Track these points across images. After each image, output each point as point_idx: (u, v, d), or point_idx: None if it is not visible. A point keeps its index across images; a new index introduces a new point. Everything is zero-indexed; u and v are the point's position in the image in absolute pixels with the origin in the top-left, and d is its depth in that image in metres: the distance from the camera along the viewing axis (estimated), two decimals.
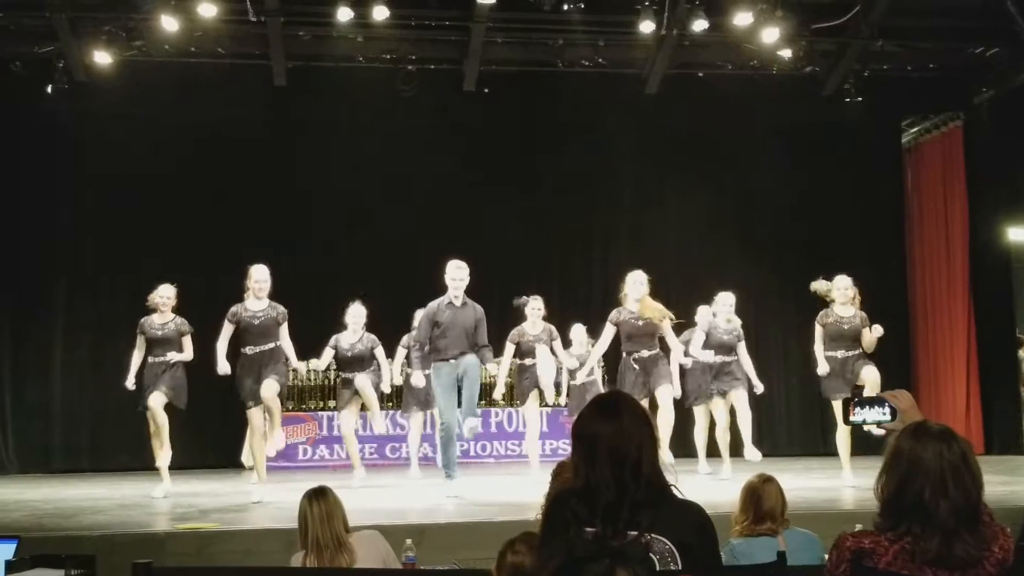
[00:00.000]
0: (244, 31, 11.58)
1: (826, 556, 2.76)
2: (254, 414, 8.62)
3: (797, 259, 13.41)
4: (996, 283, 13.06)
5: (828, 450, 12.96)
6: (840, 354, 9.17)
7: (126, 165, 12.16)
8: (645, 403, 8.89)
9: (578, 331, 10.51)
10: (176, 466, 9.66)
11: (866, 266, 12.60)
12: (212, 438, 12.08)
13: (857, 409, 3.13)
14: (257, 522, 7.33)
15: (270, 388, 8.54)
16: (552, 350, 10.05)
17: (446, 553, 5.83)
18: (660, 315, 9.08)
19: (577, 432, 2.71)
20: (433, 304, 8.60)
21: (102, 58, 11.21)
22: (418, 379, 8.96)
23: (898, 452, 2.61)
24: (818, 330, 9.30)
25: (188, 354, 9.25)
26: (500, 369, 10.17)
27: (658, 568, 2.52)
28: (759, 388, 10.29)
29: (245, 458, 11.72)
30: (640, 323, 9.03)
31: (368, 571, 4.43)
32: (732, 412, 10.08)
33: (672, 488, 2.68)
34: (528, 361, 10.08)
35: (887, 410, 3.06)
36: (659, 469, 2.66)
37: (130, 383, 9.33)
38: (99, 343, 12.38)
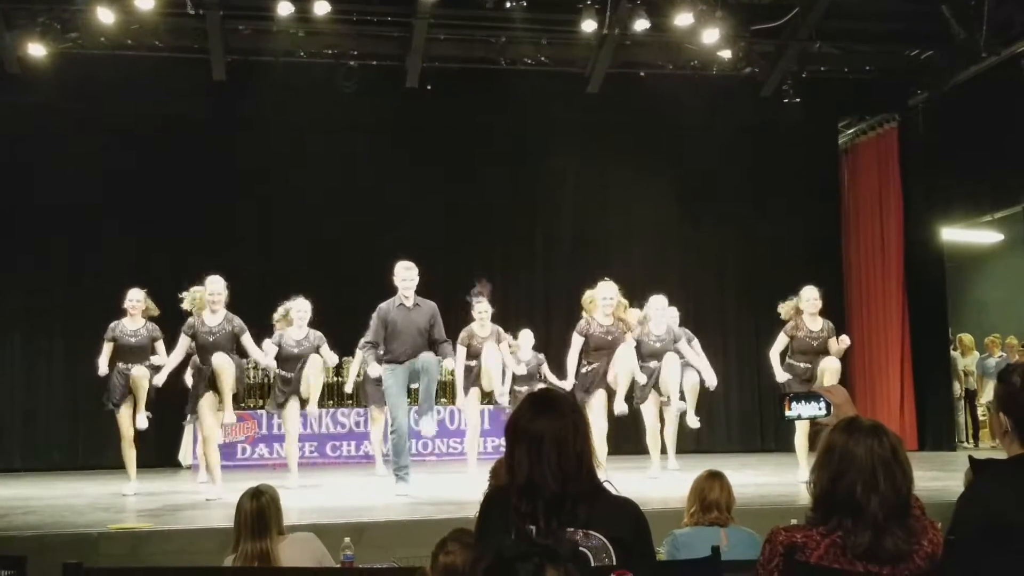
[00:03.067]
0: (182, 24, 11.41)
1: None
2: (205, 412, 8.49)
3: (735, 258, 13.59)
4: (930, 281, 13.28)
5: (765, 447, 13.18)
6: (804, 365, 9.13)
7: (59, 159, 11.97)
8: (602, 394, 8.95)
9: (526, 336, 10.39)
10: (115, 465, 9.51)
11: (803, 264, 12.79)
12: (149, 437, 11.90)
13: (793, 404, 3.16)
14: (191, 522, 7.24)
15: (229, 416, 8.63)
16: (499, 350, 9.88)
17: (384, 551, 5.81)
18: (629, 327, 9.07)
19: (518, 430, 2.70)
20: (384, 305, 8.50)
21: (36, 50, 10.98)
22: (374, 370, 8.77)
23: (831, 447, 2.64)
24: (782, 339, 9.20)
25: (162, 359, 9.00)
26: (456, 372, 9.83)
27: (592, 563, 2.53)
28: (712, 383, 10.19)
29: (182, 457, 11.59)
30: (609, 337, 8.96)
31: (305, 570, 4.39)
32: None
33: (606, 484, 2.70)
34: (473, 362, 9.81)
35: (822, 405, 3.10)
36: (593, 465, 2.69)
37: (103, 372, 8.98)
38: (30, 340, 12.19)
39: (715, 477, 4.66)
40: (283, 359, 9.37)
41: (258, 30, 11.77)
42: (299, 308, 9.44)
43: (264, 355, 8.89)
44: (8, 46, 11.17)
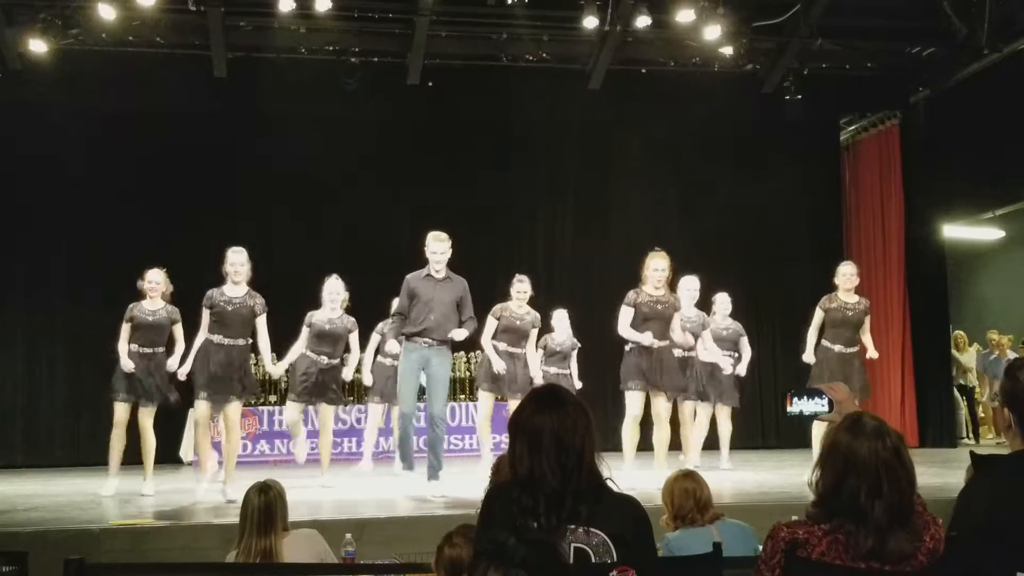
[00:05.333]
0: (183, 20, 11.40)
1: (760, 547, 2.78)
2: (201, 406, 8.15)
3: (738, 254, 13.58)
4: (931, 278, 13.30)
5: (766, 443, 13.19)
6: (838, 348, 8.96)
7: (61, 155, 11.97)
8: (641, 395, 8.65)
9: (561, 317, 10.07)
10: None
11: (804, 261, 12.81)
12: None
13: (795, 400, 3.16)
14: (193, 518, 7.24)
15: (236, 411, 8.27)
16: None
17: (386, 548, 5.83)
18: (676, 298, 8.81)
19: (518, 425, 2.72)
20: (410, 276, 8.15)
21: (37, 46, 10.97)
22: (392, 346, 8.40)
23: (834, 446, 2.64)
24: (817, 314, 9.07)
25: (180, 346, 8.70)
26: (484, 347, 9.37)
27: (593, 560, 2.54)
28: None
29: (183, 453, 11.60)
30: (659, 307, 8.62)
31: (307, 566, 4.40)
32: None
33: (608, 481, 2.70)
34: (502, 346, 9.37)
35: (825, 401, 3.10)
36: (596, 462, 2.69)
37: (127, 367, 8.58)
38: (32, 338, 12.19)
39: (693, 476, 4.54)
40: (314, 335, 9.08)
41: (259, 27, 11.75)
42: (330, 289, 9.15)
43: (269, 353, 8.55)
44: (9, 42, 11.16)
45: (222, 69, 11.80)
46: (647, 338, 8.52)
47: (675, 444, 10.00)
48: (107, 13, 10.66)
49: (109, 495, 8.42)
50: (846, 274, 9.12)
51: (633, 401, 8.67)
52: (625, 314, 8.69)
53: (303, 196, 12.57)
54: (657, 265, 8.67)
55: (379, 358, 10.02)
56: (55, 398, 12.15)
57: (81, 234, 12.13)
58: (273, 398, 12.01)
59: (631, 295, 8.72)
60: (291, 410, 9.40)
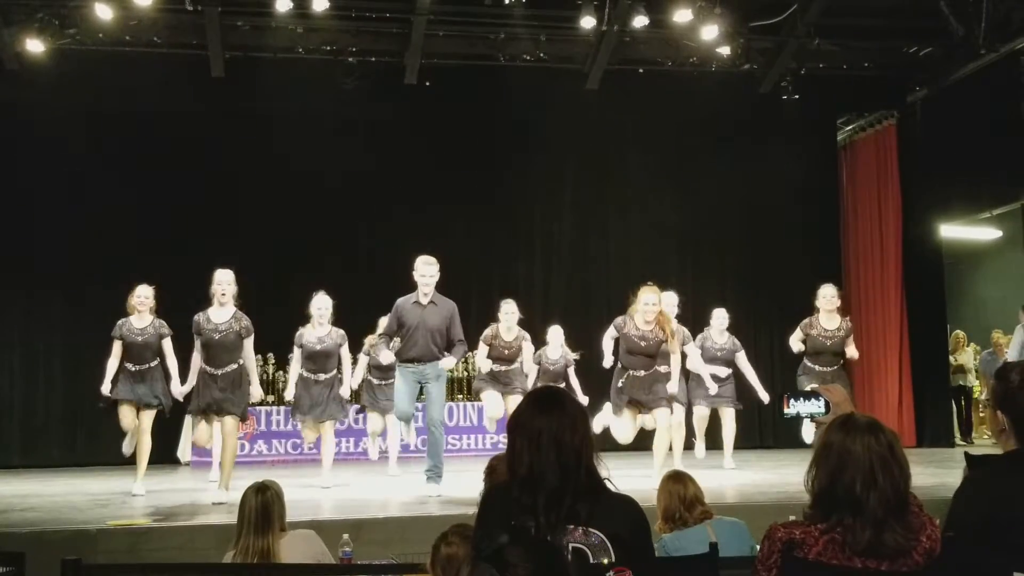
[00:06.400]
0: (180, 20, 11.41)
1: (756, 545, 2.79)
2: (201, 425, 8.10)
3: (735, 255, 13.59)
4: (928, 278, 13.31)
5: (764, 443, 13.20)
6: (818, 368, 8.83)
7: (57, 157, 11.95)
8: (629, 416, 8.55)
9: (555, 333, 10.08)
10: (112, 462, 9.45)
11: (801, 261, 12.82)
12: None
13: (791, 402, 3.17)
14: (190, 518, 7.23)
15: (231, 426, 8.08)
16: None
17: (383, 548, 5.83)
18: (670, 334, 8.53)
19: (518, 426, 2.73)
20: (401, 300, 8.23)
21: (34, 46, 10.97)
22: (387, 356, 8.43)
23: (828, 445, 2.65)
24: (798, 334, 9.03)
25: (172, 361, 8.57)
26: (479, 366, 9.56)
27: (592, 560, 2.55)
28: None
29: (181, 453, 11.58)
30: (643, 343, 8.41)
31: (305, 566, 4.40)
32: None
33: (606, 482, 2.71)
34: (496, 367, 9.48)
35: (821, 403, 3.11)
36: (594, 464, 2.70)
37: (106, 389, 8.59)
38: (30, 339, 12.17)
39: (678, 476, 4.53)
40: (305, 357, 9.08)
41: (256, 26, 11.75)
42: (319, 305, 9.11)
43: (256, 377, 8.44)
44: (6, 42, 11.16)
45: (219, 69, 11.80)
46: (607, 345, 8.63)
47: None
48: (104, 13, 10.66)
49: (141, 494, 8.41)
50: (827, 296, 8.99)
51: (620, 425, 8.61)
52: (609, 334, 8.62)
53: (301, 195, 12.55)
54: (649, 299, 8.40)
55: (367, 376, 10.12)
56: (52, 398, 12.14)
57: (79, 233, 12.10)
58: (271, 398, 12.00)
59: (619, 321, 8.57)
60: (307, 431, 9.43)
